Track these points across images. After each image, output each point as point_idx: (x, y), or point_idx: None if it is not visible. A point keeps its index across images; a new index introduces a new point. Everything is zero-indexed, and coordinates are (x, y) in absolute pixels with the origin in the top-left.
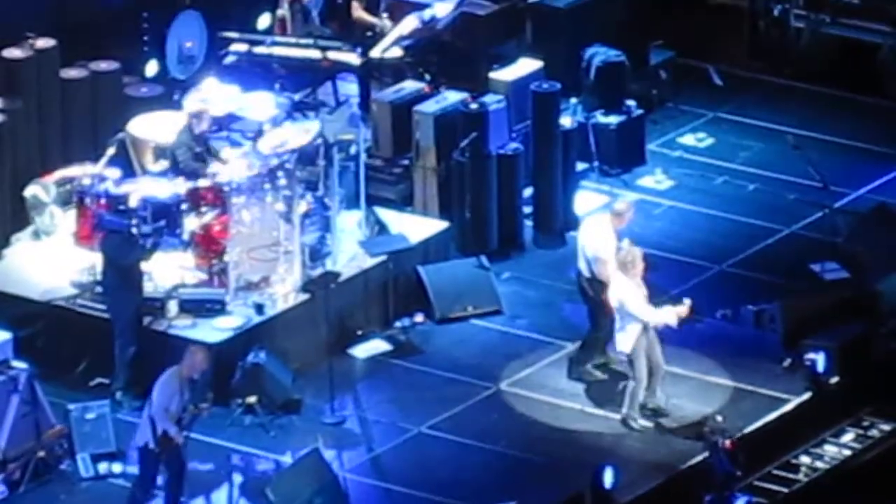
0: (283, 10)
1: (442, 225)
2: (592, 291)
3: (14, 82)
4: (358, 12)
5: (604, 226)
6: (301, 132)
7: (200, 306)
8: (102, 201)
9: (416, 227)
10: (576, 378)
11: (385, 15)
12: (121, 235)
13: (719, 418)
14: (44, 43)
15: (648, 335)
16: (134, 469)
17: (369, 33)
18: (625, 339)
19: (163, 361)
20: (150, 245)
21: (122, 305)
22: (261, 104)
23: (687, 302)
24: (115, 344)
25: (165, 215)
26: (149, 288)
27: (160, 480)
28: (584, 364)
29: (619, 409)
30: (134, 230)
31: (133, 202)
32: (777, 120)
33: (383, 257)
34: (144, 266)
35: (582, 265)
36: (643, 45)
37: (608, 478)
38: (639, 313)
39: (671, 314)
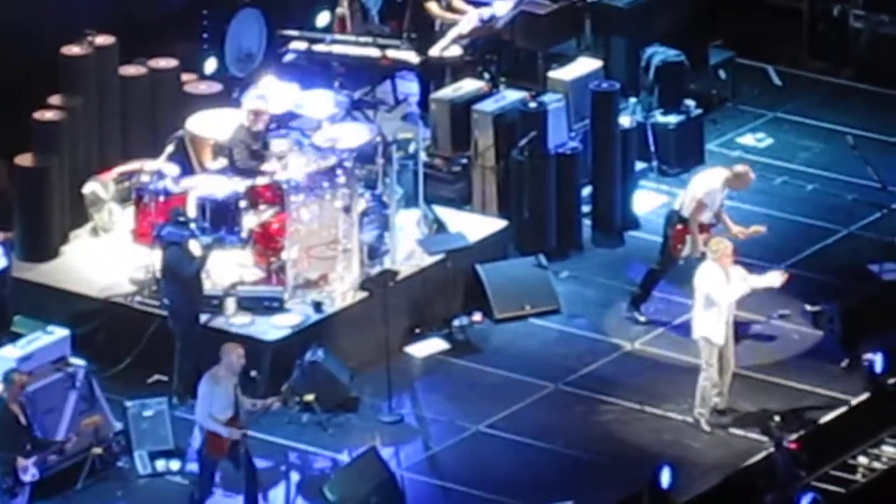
0: (343, 9)
1: (500, 224)
2: (668, 223)
3: (73, 79)
4: (436, 9)
5: (717, 177)
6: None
7: (258, 304)
8: (161, 199)
9: (474, 225)
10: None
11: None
12: (181, 247)
13: (777, 419)
14: (103, 40)
15: (725, 331)
16: (192, 466)
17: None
18: (702, 325)
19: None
20: (208, 253)
21: (184, 316)
22: (320, 102)
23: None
24: (176, 348)
25: (224, 213)
26: (207, 286)
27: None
28: (637, 301)
29: (679, 407)
30: (193, 240)
31: (191, 207)
32: (836, 120)
33: (441, 256)
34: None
35: (678, 199)
36: (703, 45)
37: (666, 478)
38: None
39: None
